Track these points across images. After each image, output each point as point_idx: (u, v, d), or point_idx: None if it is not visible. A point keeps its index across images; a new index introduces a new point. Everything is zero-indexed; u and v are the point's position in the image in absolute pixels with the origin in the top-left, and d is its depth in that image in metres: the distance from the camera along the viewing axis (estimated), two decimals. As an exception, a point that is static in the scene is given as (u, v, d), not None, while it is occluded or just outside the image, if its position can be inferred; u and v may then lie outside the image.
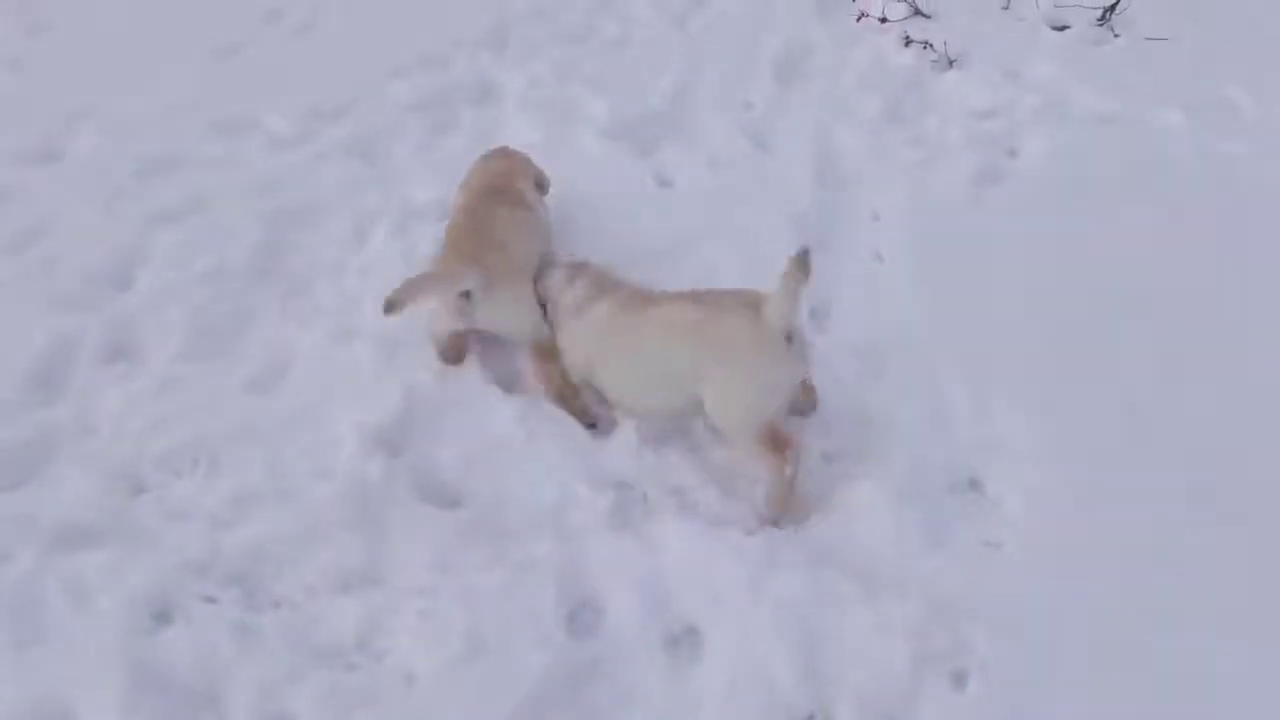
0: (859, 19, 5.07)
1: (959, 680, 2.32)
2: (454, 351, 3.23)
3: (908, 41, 4.80)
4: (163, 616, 2.58)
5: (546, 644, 2.45)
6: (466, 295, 3.06)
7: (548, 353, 3.16)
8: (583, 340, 3.06)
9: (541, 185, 3.74)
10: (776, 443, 2.75)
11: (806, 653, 2.37)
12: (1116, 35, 4.78)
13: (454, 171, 4.07)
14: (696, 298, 2.89)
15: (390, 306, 2.94)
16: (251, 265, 3.68)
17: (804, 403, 3.04)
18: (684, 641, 2.49)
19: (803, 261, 2.62)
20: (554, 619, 2.52)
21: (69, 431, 3.05)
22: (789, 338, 2.72)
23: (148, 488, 2.90)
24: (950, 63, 4.70)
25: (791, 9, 5.23)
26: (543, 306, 3.22)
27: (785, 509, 2.76)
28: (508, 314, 3.16)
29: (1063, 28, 4.89)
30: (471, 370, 3.21)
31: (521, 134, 4.33)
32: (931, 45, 4.74)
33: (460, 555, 2.70)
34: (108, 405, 3.14)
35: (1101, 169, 3.94)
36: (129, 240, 3.78)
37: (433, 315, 3.16)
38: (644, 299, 3.01)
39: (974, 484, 2.88)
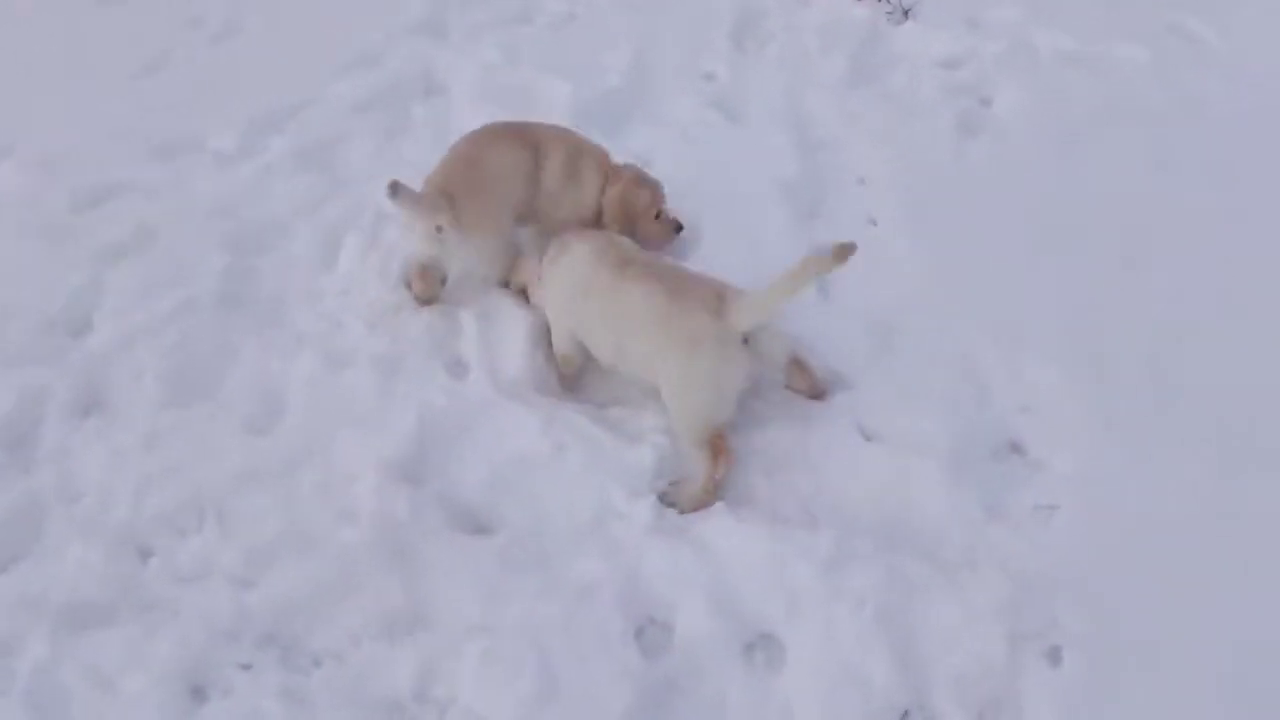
0: (807, -25, 4.96)
1: (1054, 657, 2.27)
2: (423, 285, 3.31)
3: (861, -8, 4.71)
4: (199, 692, 2.39)
5: (624, 671, 2.33)
6: (439, 227, 3.16)
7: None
8: (562, 285, 3.03)
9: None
10: (715, 447, 2.74)
11: (896, 645, 2.29)
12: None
13: (415, 173, 3.90)
14: (668, 282, 2.84)
15: (394, 190, 3.05)
16: (219, 296, 3.43)
17: (808, 388, 2.97)
18: (760, 648, 2.40)
19: (840, 253, 2.53)
20: (624, 642, 2.40)
21: (54, 498, 2.81)
22: (745, 339, 2.72)
23: (154, 551, 2.69)
24: (905, 13, 4.63)
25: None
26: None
27: (699, 506, 2.71)
28: (471, 259, 3.27)
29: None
30: (480, 382, 3.05)
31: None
32: (887, -2, 4.67)
33: (508, 585, 2.56)
34: (91, 466, 2.90)
35: (1076, 112, 3.93)
36: (80, 281, 3.49)
37: (411, 236, 3.26)
38: (622, 259, 2.95)
39: (1015, 447, 2.83)
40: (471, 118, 4.16)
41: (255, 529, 2.70)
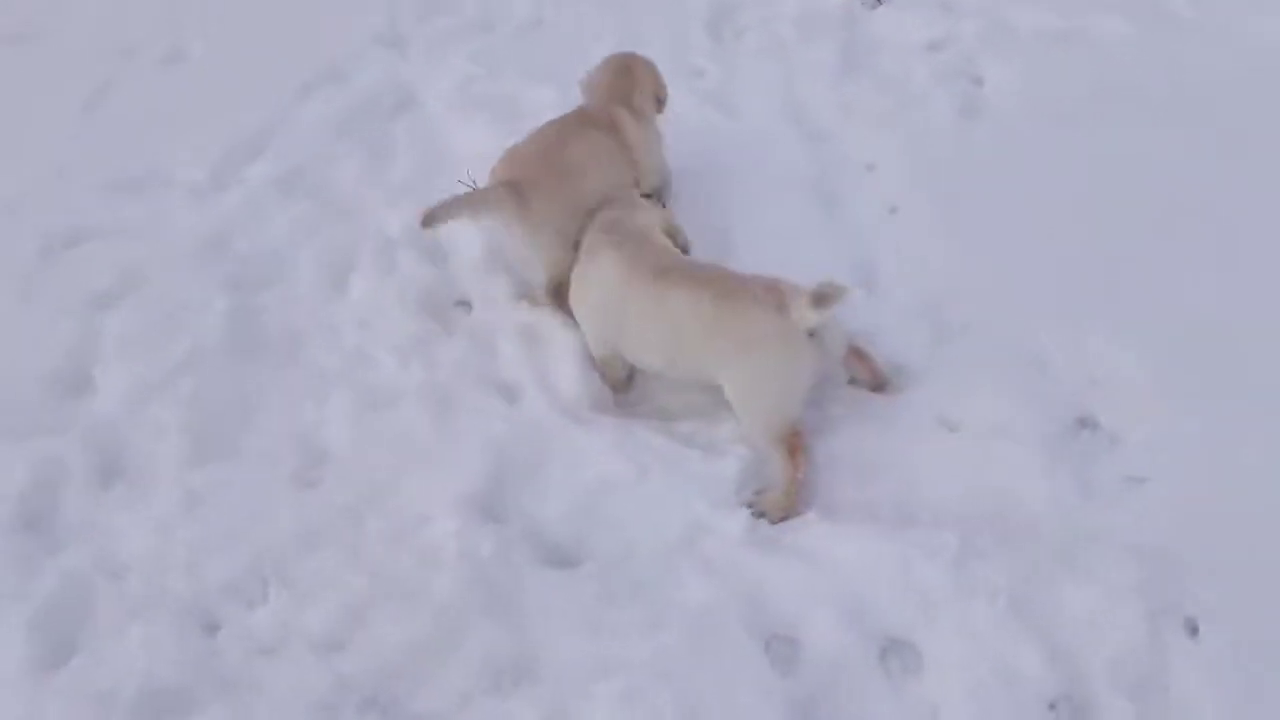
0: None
1: (1191, 628, 2.27)
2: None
3: (830, -22, 4.68)
4: (308, 773, 2.21)
5: (766, 692, 2.24)
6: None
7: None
8: (595, 296, 2.93)
9: (661, 100, 3.56)
10: (792, 445, 2.69)
11: (1036, 635, 2.25)
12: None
13: (410, 190, 3.74)
14: (715, 285, 2.74)
15: (427, 220, 2.99)
16: (229, 339, 3.20)
17: (871, 379, 2.93)
18: (894, 653, 2.33)
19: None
20: (757, 662, 2.30)
21: (97, 577, 2.56)
22: (811, 333, 2.66)
23: (221, 624, 2.47)
24: (878, -1, 4.64)
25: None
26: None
27: (789, 512, 2.65)
28: (526, 254, 3.19)
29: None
30: (539, 406, 2.91)
31: (470, 139, 3.98)
32: (858, -18, 4.66)
33: (614, 617, 2.43)
34: (129, 537, 2.66)
35: (1069, 87, 3.95)
36: (70, 335, 3.21)
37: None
38: (659, 267, 2.83)
39: (1087, 422, 2.82)
40: (461, 130, 4.06)
41: (330, 588, 2.51)
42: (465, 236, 3.54)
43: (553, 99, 4.08)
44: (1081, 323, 3.02)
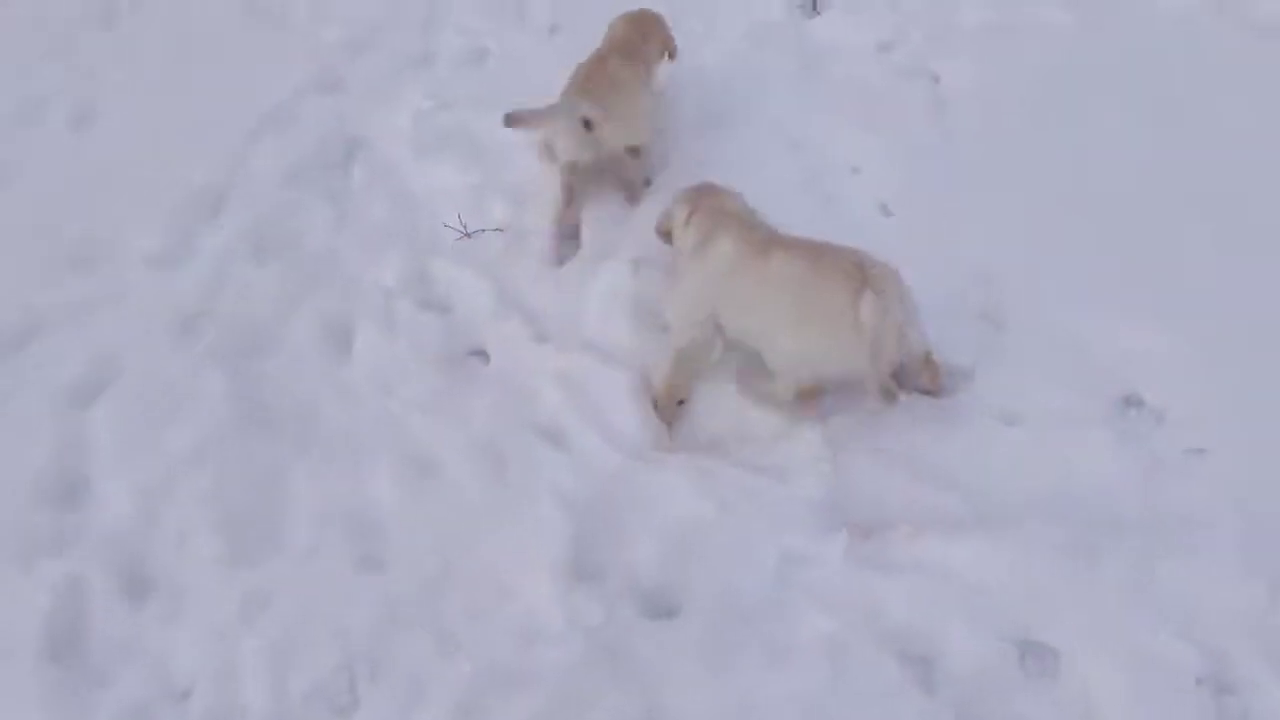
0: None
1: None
2: (566, 192, 3.49)
3: (767, -12, 4.68)
4: None
5: (918, 714, 2.19)
6: (587, 124, 3.33)
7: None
8: (707, 274, 2.96)
9: (670, 52, 3.90)
10: (808, 394, 2.84)
11: (1170, 615, 2.28)
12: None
13: (391, 236, 3.54)
14: (813, 255, 2.82)
15: (510, 120, 3.23)
16: (238, 419, 2.94)
17: (932, 384, 2.92)
18: (1032, 653, 2.30)
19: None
20: (900, 685, 2.24)
21: (159, 704, 2.30)
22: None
23: (318, 735, 2.25)
24: (814, 5, 4.67)
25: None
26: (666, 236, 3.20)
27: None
28: (626, 127, 3.47)
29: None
30: (599, 452, 2.78)
31: (436, 176, 3.82)
32: (795, -9, 4.68)
33: (736, 660, 2.34)
34: (182, 655, 2.40)
35: (1026, 76, 4.05)
36: (54, 439, 2.88)
37: (556, 147, 3.49)
38: (765, 240, 2.92)
39: (1130, 400, 2.88)
40: (424, 168, 3.88)
41: (431, 681, 2.31)
42: (466, 281, 3.37)
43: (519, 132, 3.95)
44: (1109, 303, 3.09)
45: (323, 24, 4.79)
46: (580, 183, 3.56)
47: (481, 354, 3.21)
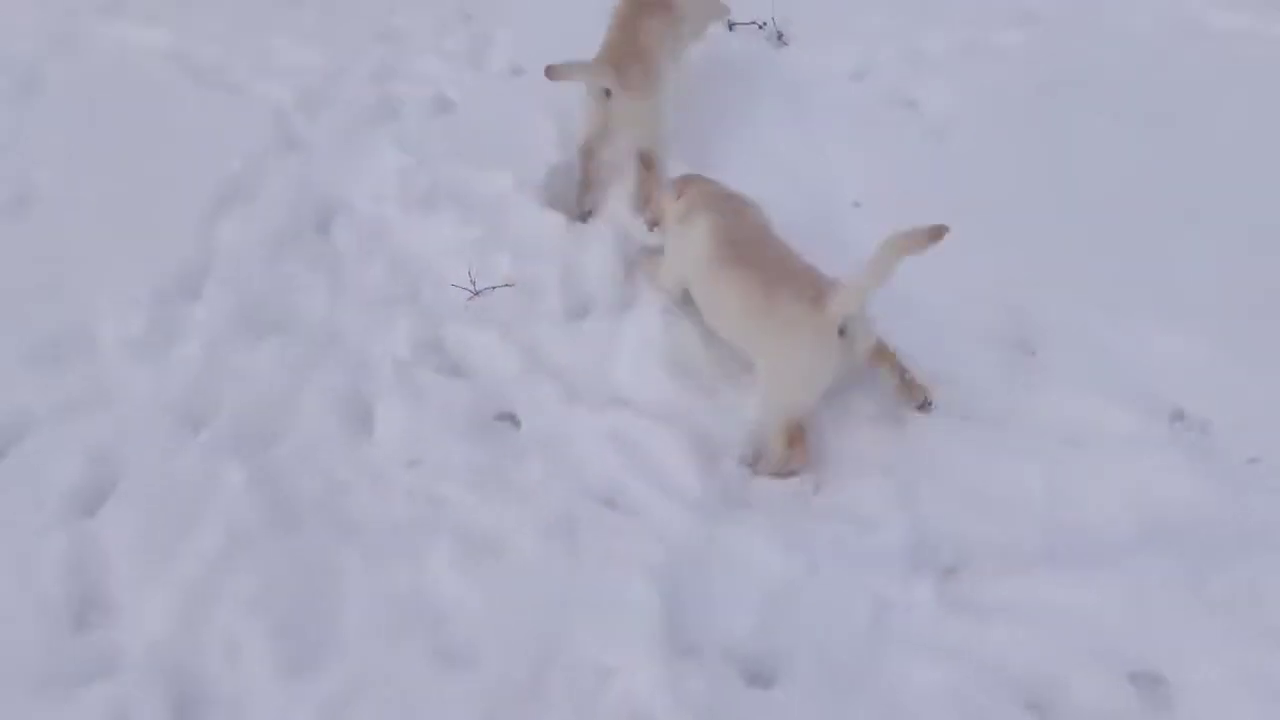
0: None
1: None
2: (588, 160, 3.75)
3: (730, 25, 4.68)
4: None
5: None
6: (606, 93, 3.60)
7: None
8: (680, 252, 3.16)
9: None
10: (794, 436, 2.79)
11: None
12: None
13: (393, 301, 3.37)
14: (767, 270, 2.88)
15: (552, 73, 3.48)
16: (264, 517, 2.69)
17: (910, 390, 2.92)
18: (1151, 687, 2.27)
19: (935, 232, 2.55)
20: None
21: None
22: (842, 330, 2.74)
23: None
24: (780, 36, 4.69)
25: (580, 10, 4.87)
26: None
27: (769, 472, 2.82)
28: (634, 117, 3.68)
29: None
30: (670, 514, 2.65)
31: (430, 232, 3.67)
32: (759, 23, 4.69)
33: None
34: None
35: (1000, 95, 4.16)
36: (62, 554, 2.59)
37: (582, 112, 3.74)
38: (734, 249, 2.99)
39: (1177, 414, 2.90)
40: (414, 225, 3.73)
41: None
42: (483, 343, 3.22)
43: (508, 181, 3.82)
44: (1131, 316, 3.14)
45: (268, 81, 4.58)
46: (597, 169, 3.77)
47: (510, 418, 3.05)
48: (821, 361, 2.77)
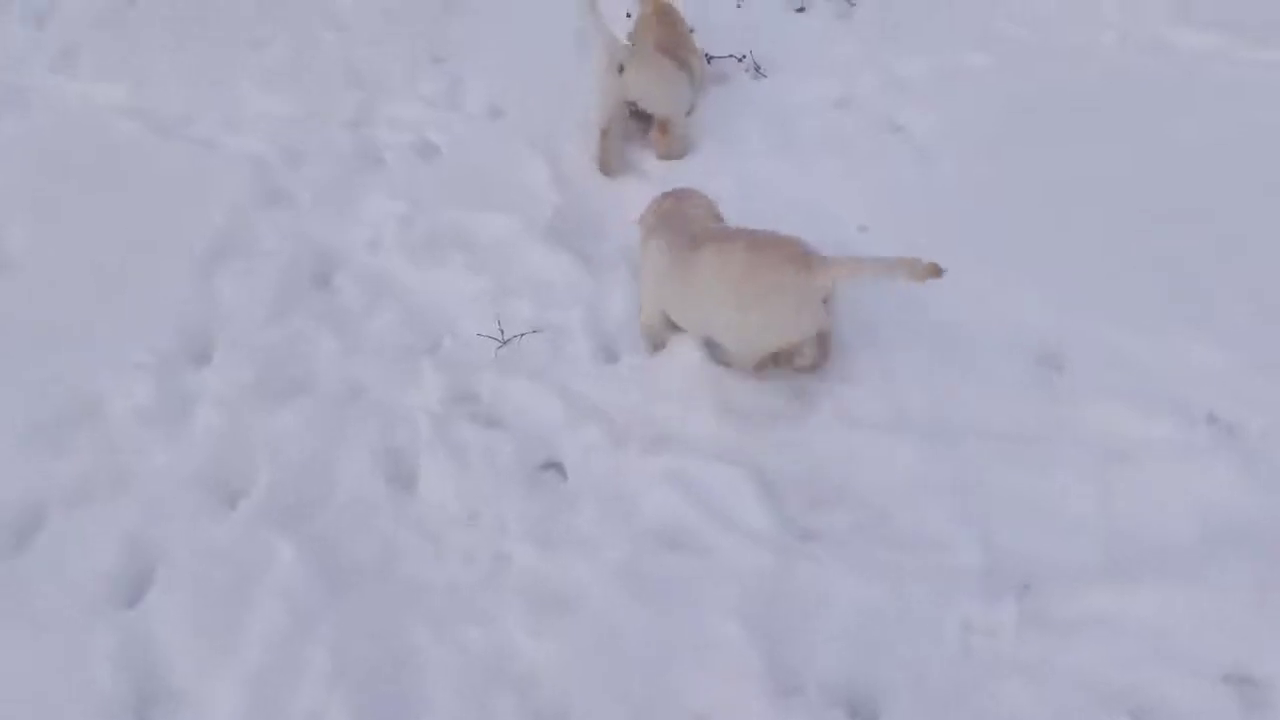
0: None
1: None
2: (608, 140, 4.07)
3: (709, 58, 4.73)
4: None
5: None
6: (620, 69, 3.89)
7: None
8: (649, 269, 3.25)
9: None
10: (762, 367, 3.13)
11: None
12: (853, 4, 5.19)
13: (411, 353, 3.30)
14: (745, 238, 3.02)
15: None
16: (323, 590, 2.57)
17: (814, 358, 3.12)
18: (1246, 690, 2.31)
19: (932, 269, 2.74)
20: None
21: None
22: (825, 299, 2.99)
23: None
24: (758, 68, 4.75)
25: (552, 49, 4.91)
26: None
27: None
28: (647, 86, 4.01)
29: (801, 9, 5.20)
30: (747, 552, 2.62)
31: (450, 282, 3.59)
32: (738, 56, 4.75)
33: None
34: None
35: (979, 115, 4.28)
36: (118, 644, 2.42)
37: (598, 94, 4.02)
38: (693, 238, 3.12)
39: (1209, 418, 2.97)
40: (429, 274, 3.62)
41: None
42: (519, 391, 3.15)
43: (510, 225, 3.78)
44: (1150, 324, 3.23)
45: (239, 132, 4.45)
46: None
47: (556, 467, 2.99)
48: (802, 321, 2.99)
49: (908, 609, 2.51)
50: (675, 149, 4.14)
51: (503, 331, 3.27)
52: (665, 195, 3.44)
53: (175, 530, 2.72)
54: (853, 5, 5.18)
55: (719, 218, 3.44)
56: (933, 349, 3.21)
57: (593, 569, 2.62)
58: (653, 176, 4.09)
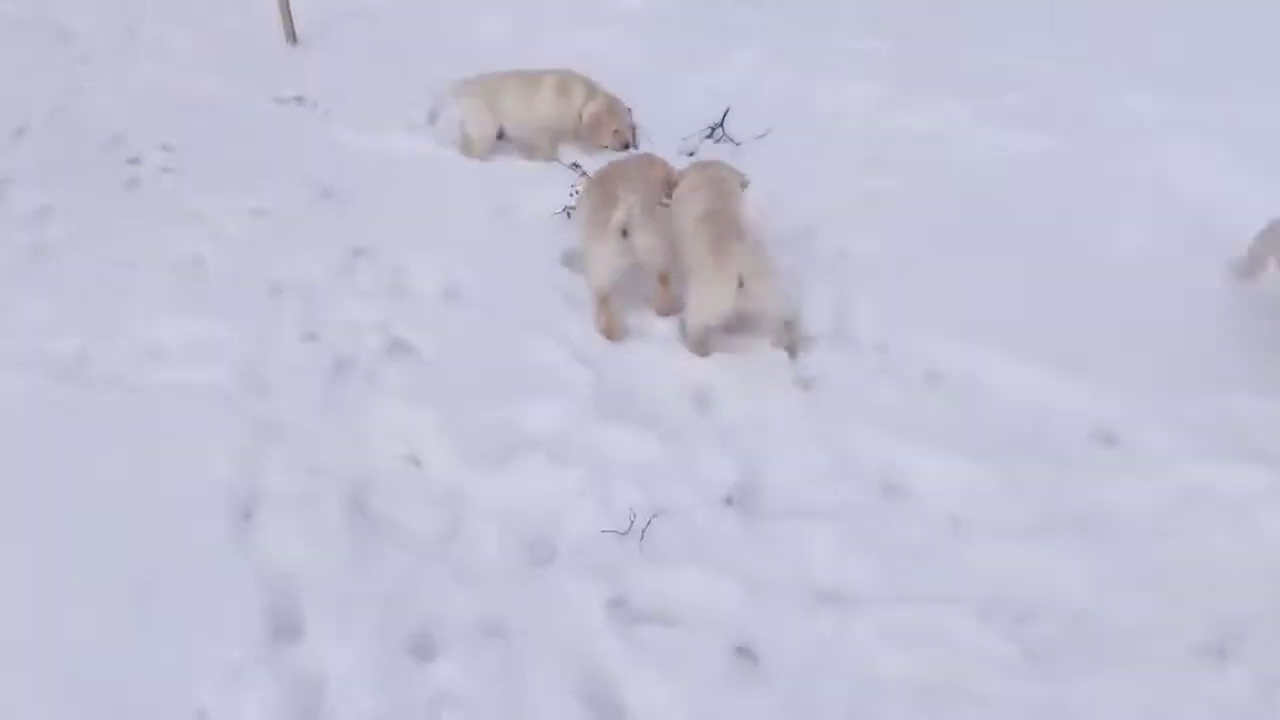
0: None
1: None
2: (610, 307, 4.01)
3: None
4: None
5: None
6: (624, 233, 3.84)
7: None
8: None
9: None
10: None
11: None
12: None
13: (534, 564, 3.07)
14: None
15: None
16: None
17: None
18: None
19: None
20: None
21: None
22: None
23: None
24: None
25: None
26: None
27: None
28: (650, 247, 3.93)
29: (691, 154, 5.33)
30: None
31: (534, 485, 3.30)
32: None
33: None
34: None
35: (909, 233, 4.55)
36: None
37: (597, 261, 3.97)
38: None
39: (1264, 455, 3.30)
40: (490, 478, 3.33)
41: None
42: (671, 580, 2.96)
43: (554, 410, 3.57)
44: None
45: (178, 367, 3.86)
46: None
47: (747, 653, 2.80)
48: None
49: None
50: (677, 304, 4.04)
51: (633, 521, 3.08)
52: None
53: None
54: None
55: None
56: (985, 429, 3.40)
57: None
58: (655, 334, 4.02)
